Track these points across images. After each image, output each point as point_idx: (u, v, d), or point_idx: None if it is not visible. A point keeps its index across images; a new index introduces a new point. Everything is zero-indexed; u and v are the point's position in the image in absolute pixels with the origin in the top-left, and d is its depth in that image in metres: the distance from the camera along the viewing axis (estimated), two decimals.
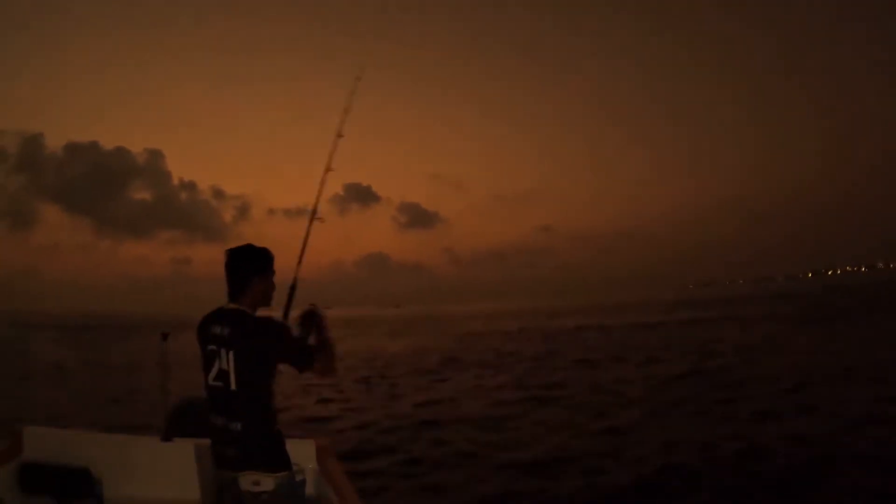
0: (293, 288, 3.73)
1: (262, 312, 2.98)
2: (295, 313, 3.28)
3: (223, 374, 2.80)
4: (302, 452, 2.98)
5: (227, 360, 2.79)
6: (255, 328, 2.84)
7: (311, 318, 3.13)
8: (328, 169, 4.40)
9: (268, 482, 2.77)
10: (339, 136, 4.46)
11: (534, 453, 9.06)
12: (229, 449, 2.81)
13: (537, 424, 11.23)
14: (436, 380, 18.30)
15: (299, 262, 3.87)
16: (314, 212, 4.14)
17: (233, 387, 2.77)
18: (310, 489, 3.65)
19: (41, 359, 26.01)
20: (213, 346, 2.85)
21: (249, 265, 2.95)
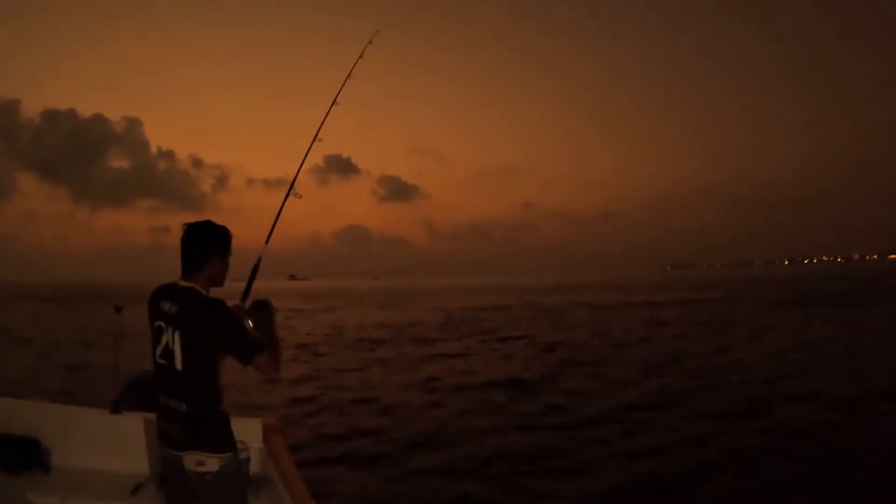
0: (256, 268, 3.51)
1: (214, 293, 2.91)
2: (248, 301, 3.17)
3: (168, 353, 2.74)
4: (248, 431, 2.95)
5: (173, 339, 2.72)
6: (205, 310, 2.74)
7: (264, 310, 3.03)
8: (318, 139, 4.18)
9: (212, 463, 2.75)
10: (335, 103, 4.21)
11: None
12: (173, 428, 2.79)
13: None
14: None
15: (267, 240, 3.65)
16: (292, 185, 3.92)
17: (178, 366, 2.71)
18: (255, 468, 3.65)
19: (6, 330, 25.62)
20: (160, 323, 2.78)
21: (209, 243, 2.86)
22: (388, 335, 25.37)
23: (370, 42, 4.59)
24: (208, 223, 2.89)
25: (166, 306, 2.77)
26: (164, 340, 2.76)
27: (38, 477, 3.71)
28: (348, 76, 4.35)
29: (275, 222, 3.78)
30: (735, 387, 12.32)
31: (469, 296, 66.79)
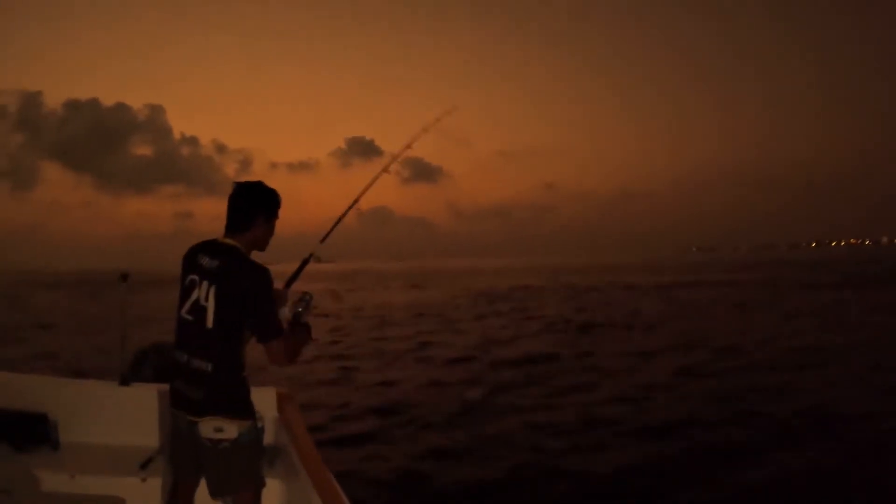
0: (306, 262, 3.42)
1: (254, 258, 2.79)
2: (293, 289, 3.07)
3: (199, 309, 2.60)
4: (262, 400, 2.83)
5: (208, 295, 2.58)
6: (249, 273, 2.62)
7: (304, 305, 2.91)
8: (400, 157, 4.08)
9: (231, 429, 2.60)
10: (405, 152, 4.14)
11: None
12: (193, 390, 2.61)
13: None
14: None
15: (324, 238, 3.59)
16: (356, 201, 3.78)
17: (209, 324, 2.57)
18: (268, 438, 3.54)
19: (34, 315, 25.97)
20: (194, 276, 2.64)
21: (258, 203, 2.76)
22: (422, 314, 25.78)
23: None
24: (259, 183, 2.81)
25: (205, 261, 2.64)
26: (195, 295, 2.61)
27: (47, 453, 3.59)
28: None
29: (334, 225, 3.67)
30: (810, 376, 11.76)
31: (497, 277, 67.45)
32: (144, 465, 3.47)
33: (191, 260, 2.70)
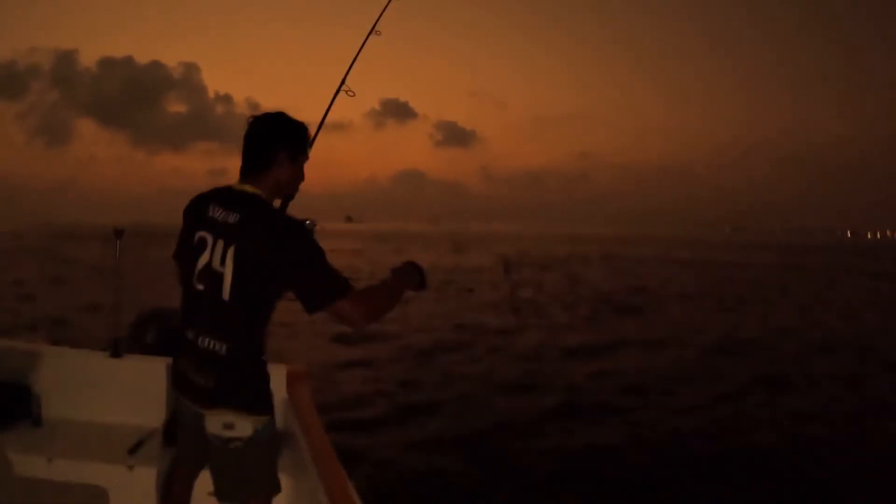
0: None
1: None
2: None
3: (212, 276, 2.05)
4: (271, 379, 2.35)
5: (224, 258, 2.03)
6: (280, 229, 2.04)
7: (414, 273, 2.36)
8: (375, 32, 3.56)
9: (244, 426, 2.10)
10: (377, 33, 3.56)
11: None
12: (201, 375, 2.12)
13: None
14: None
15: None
16: (343, 81, 3.28)
17: (225, 295, 2.03)
18: (276, 421, 3.14)
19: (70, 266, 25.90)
20: (203, 234, 2.10)
21: (279, 135, 2.17)
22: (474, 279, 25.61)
23: None
24: (281, 113, 2.21)
25: (219, 213, 2.09)
26: (206, 258, 2.07)
27: (27, 430, 3.21)
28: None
29: (325, 115, 3.21)
30: None
31: (536, 243, 67.30)
32: (133, 450, 3.07)
33: (198, 212, 2.16)
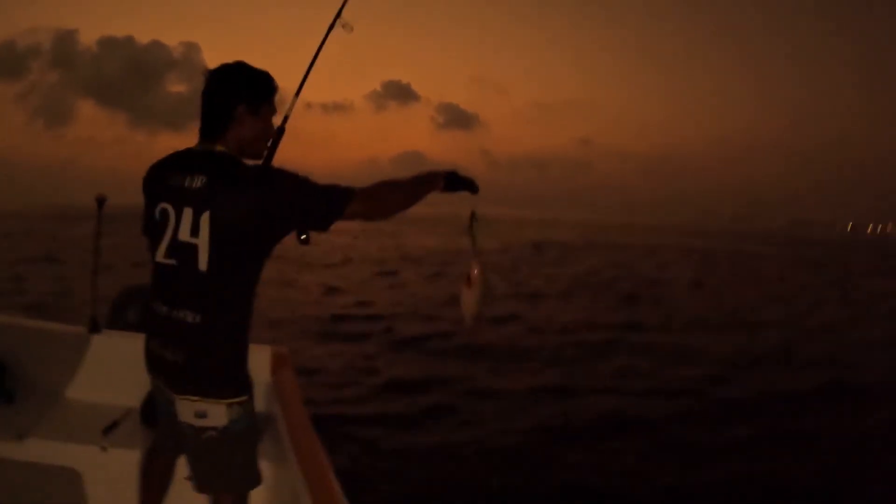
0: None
1: None
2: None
3: (183, 248, 1.84)
4: (254, 360, 2.16)
5: (198, 227, 1.80)
6: (250, 177, 1.85)
7: (436, 177, 2.18)
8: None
9: (217, 414, 1.88)
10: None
11: None
12: (171, 349, 1.91)
13: None
14: None
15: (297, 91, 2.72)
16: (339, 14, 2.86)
17: (202, 266, 1.81)
18: (258, 405, 2.96)
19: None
20: (165, 205, 1.89)
21: (236, 86, 1.93)
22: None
23: None
24: (237, 63, 1.97)
25: (182, 180, 1.86)
26: (172, 230, 1.86)
27: None
28: None
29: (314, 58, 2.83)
30: None
31: (541, 229, 67.46)
32: (107, 431, 2.90)
33: (156, 182, 1.95)
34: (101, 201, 3.33)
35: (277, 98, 2.05)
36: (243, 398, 1.93)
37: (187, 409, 1.89)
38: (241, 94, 1.93)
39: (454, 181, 2.19)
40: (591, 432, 6.53)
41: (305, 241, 2.08)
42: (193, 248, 1.82)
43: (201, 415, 1.88)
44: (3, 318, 3.49)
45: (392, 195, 2.04)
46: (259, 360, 3.19)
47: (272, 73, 2.00)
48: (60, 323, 3.52)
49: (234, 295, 1.90)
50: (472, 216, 2.20)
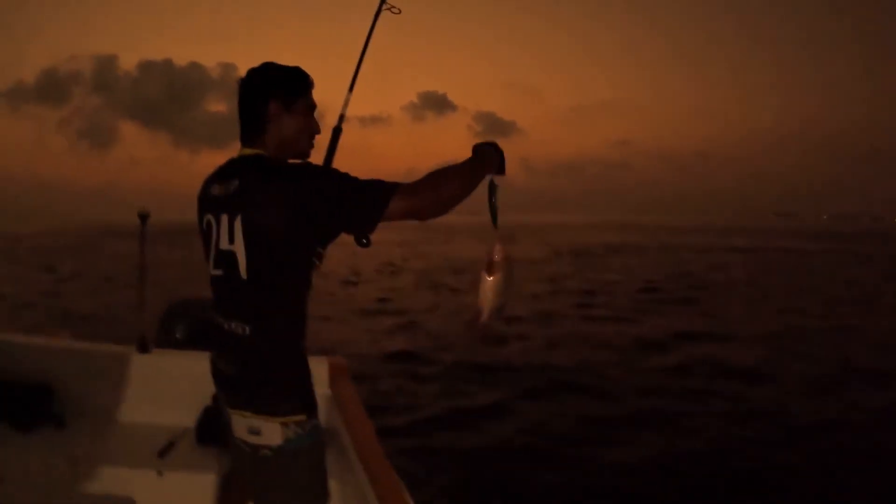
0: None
1: None
2: None
3: (226, 257, 1.78)
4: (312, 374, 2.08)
5: (233, 233, 1.74)
6: (283, 173, 1.74)
7: (493, 152, 1.91)
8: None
9: (272, 433, 1.77)
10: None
11: None
12: (224, 361, 1.87)
13: None
14: None
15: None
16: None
17: (243, 274, 1.74)
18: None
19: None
20: (208, 216, 1.86)
21: (267, 84, 1.88)
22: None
23: None
24: (266, 64, 1.92)
25: (220, 189, 1.82)
26: (215, 241, 1.81)
27: (49, 434, 3.02)
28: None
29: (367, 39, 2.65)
30: None
31: (582, 232, 67.05)
32: (163, 453, 2.86)
33: (202, 195, 1.91)
34: (143, 217, 3.31)
35: (320, 103, 1.97)
36: (300, 417, 1.81)
37: (241, 424, 1.81)
38: (270, 91, 1.87)
39: (503, 157, 1.93)
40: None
41: (366, 244, 1.89)
42: (233, 256, 1.75)
43: (254, 431, 1.79)
44: (50, 342, 3.51)
45: (446, 185, 1.77)
46: (317, 373, 3.05)
47: (316, 86, 1.96)
48: (108, 343, 3.49)
49: (280, 303, 1.80)
50: (492, 186, 1.89)
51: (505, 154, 1.94)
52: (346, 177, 1.72)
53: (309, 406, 1.85)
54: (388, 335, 11.54)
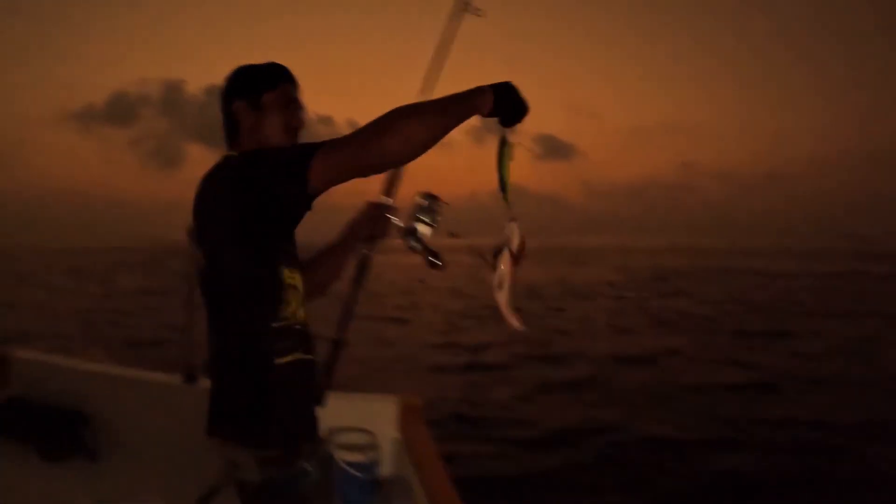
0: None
1: None
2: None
3: (196, 264, 1.68)
4: (377, 414, 1.74)
5: (195, 234, 1.66)
6: (221, 169, 1.63)
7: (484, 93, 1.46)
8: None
9: (248, 467, 1.54)
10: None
11: None
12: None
13: None
14: None
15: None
16: None
17: (204, 277, 1.65)
18: (386, 469, 2.51)
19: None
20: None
21: (229, 89, 1.78)
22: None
23: None
24: (237, 67, 1.82)
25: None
26: (191, 249, 1.70)
27: (80, 466, 2.79)
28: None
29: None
30: None
31: (650, 256, 66.97)
32: (205, 500, 2.54)
33: None
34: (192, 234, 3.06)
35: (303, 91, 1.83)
36: (274, 453, 1.53)
37: (218, 453, 1.62)
38: (233, 92, 1.78)
39: (507, 98, 1.48)
40: None
41: (438, 266, 1.77)
42: (200, 260, 1.64)
43: (234, 464, 1.57)
44: (87, 365, 3.28)
45: (392, 129, 1.36)
46: (384, 413, 2.75)
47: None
48: (152, 371, 3.22)
49: (238, 308, 1.57)
50: (503, 143, 1.53)
51: (523, 96, 1.50)
52: (266, 151, 1.56)
53: (291, 440, 1.59)
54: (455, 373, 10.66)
